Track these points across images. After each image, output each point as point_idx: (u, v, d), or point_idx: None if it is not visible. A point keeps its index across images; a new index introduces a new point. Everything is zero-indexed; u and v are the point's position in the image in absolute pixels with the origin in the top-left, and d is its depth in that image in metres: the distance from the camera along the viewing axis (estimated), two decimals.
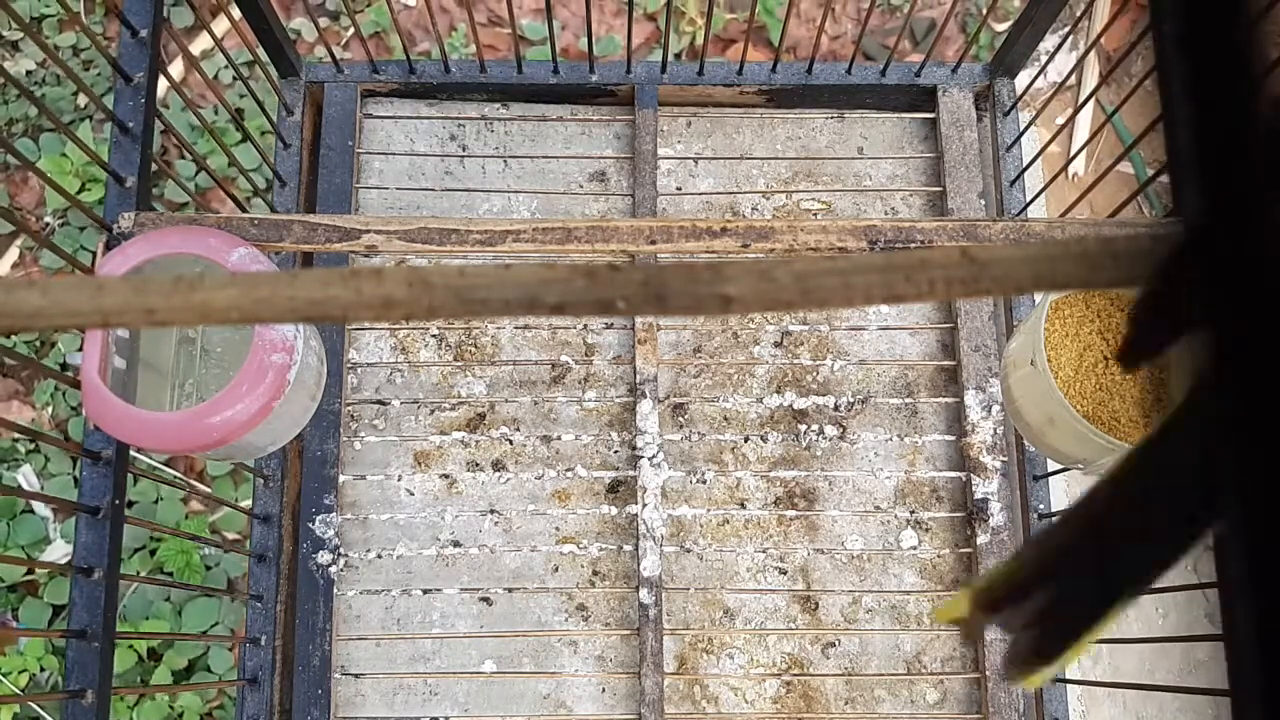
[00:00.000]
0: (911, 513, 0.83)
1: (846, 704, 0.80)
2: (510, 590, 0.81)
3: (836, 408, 0.84)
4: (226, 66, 1.43)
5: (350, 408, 0.84)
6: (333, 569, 0.80)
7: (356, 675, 0.80)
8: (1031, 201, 0.85)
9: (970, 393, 0.83)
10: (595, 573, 0.82)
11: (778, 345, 0.86)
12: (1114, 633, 1.22)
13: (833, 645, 0.81)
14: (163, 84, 1.34)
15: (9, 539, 1.26)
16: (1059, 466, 0.79)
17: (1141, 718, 1.19)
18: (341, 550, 0.81)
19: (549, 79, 0.89)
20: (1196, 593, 1.23)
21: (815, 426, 0.84)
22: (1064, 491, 1.17)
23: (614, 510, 0.82)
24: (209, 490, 1.28)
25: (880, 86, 0.89)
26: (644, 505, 0.81)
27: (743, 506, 0.83)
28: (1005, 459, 0.82)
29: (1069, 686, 0.79)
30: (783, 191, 0.90)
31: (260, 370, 0.58)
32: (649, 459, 0.81)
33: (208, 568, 1.26)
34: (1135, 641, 0.63)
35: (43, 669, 1.23)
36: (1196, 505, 0.23)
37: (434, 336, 0.86)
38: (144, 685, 1.22)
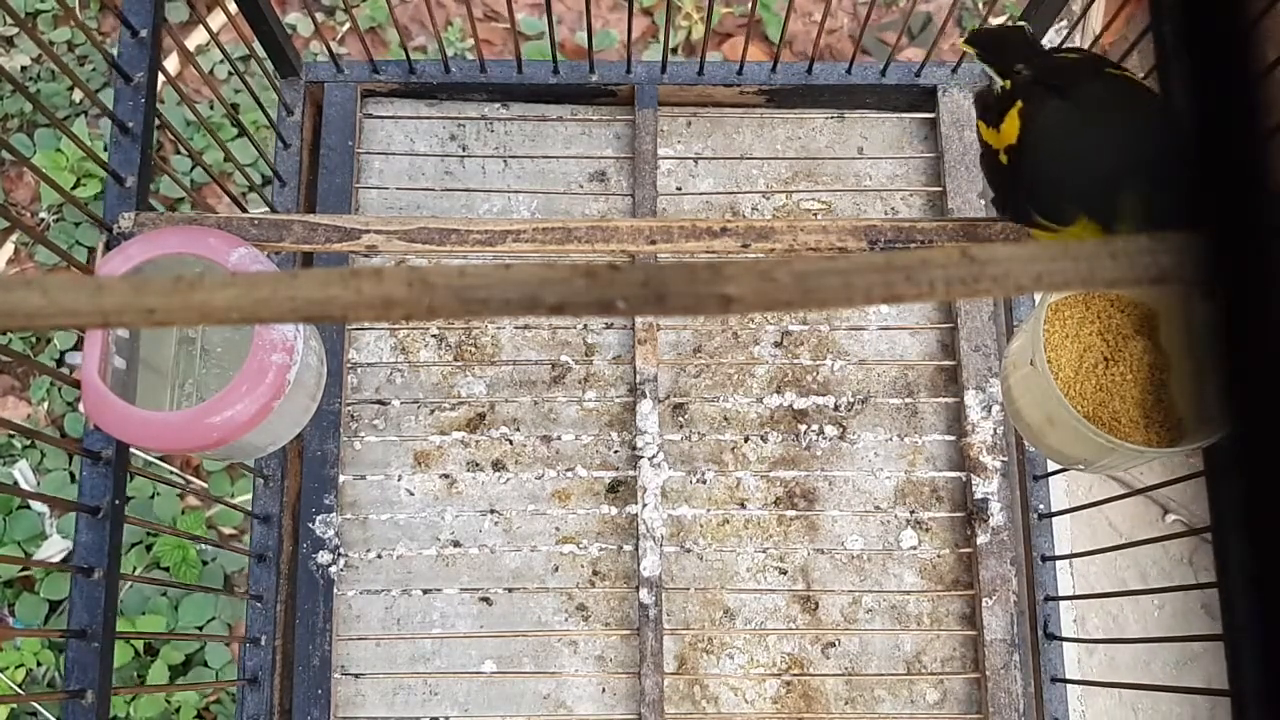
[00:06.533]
0: (911, 513, 0.83)
1: (846, 704, 0.80)
2: (510, 590, 0.81)
3: (836, 408, 0.84)
4: (222, 61, 1.43)
5: (350, 408, 0.84)
6: (333, 569, 0.80)
7: (356, 675, 0.80)
8: None
9: (970, 393, 0.83)
10: (595, 573, 0.82)
11: (778, 345, 0.86)
12: (1112, 632, 1.22)
13: (833, 645, 0.81)
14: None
15: (5, 534, 1.26)
16: (1059, 466, 0.79)
17: (1138, 709, 1.19)
18: (341, 550, 0.81)
19: (549, 79, 0.89)
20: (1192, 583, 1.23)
21: (815, 426, 0.84)
22: (1064, 491, 1.17)
23: (614, 510, 0.82)
24: (206, 486, 1.28)
25: (880, 86, 0.89)
26: (644, 505, 0.81)
27: (743, 506, 0.83)
28: (1005, 459, 0.82)
29: (1069, 686, 0.79)
30: (783, 191, 0.90)
31: (260, 370, 0.58)
32: (649, 459, 0.81)
33: (204, 562, 1.26)
34: (1134, 642, 0.63)
35: (39, 664, 1.22)
36: None
37: (434, 336, 0.86)
38: (141, 680, 1.21)
